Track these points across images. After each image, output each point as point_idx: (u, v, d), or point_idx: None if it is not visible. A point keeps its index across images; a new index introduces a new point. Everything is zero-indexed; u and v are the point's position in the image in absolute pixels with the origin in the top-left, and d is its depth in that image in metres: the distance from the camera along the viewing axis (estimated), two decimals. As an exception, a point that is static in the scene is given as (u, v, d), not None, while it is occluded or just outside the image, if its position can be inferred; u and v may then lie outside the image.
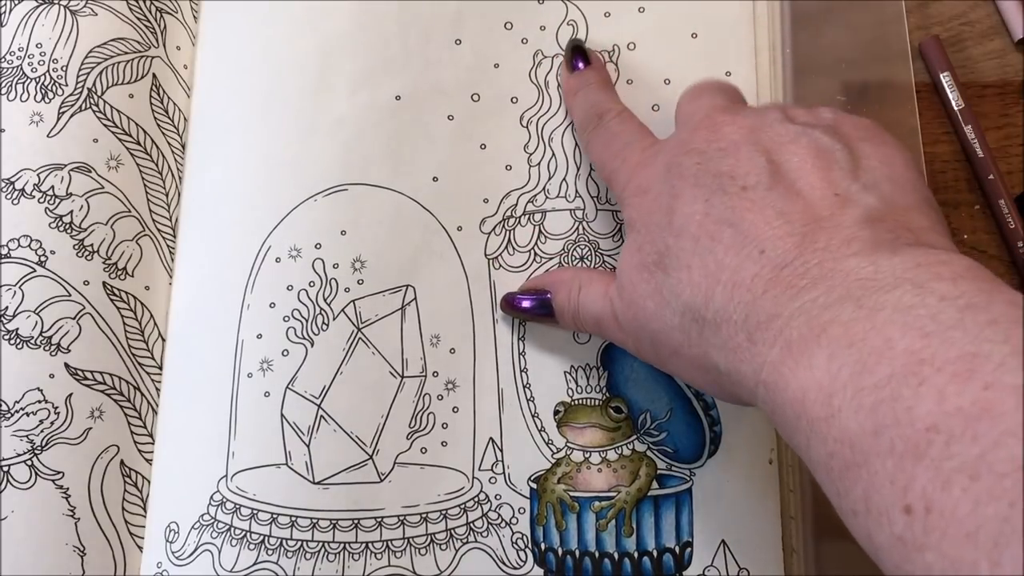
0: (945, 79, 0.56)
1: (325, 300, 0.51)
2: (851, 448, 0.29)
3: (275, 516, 0.49)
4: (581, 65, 0.51)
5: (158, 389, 0.52)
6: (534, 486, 0.49)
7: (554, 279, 0.49)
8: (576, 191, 0.52)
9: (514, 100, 0.54)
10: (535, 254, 0.52)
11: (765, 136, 0.38)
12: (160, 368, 0.53)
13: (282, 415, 0.50)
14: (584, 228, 0.52)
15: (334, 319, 0.51)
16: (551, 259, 0.52)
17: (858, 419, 0.29)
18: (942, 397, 0.26)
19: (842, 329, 0.30)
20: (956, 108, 0.55)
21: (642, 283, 0.40)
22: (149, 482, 0.51)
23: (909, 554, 0.26)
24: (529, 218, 0.52)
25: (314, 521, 0.49)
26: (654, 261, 0.39)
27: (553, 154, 0.53)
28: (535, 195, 0.52)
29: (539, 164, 0.53)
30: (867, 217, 0.35)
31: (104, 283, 0.52)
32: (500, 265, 0.52)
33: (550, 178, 0.53)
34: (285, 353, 0.51)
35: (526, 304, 0.49)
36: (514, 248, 0.52)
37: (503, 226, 0.52)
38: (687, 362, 0.38)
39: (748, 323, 0.34)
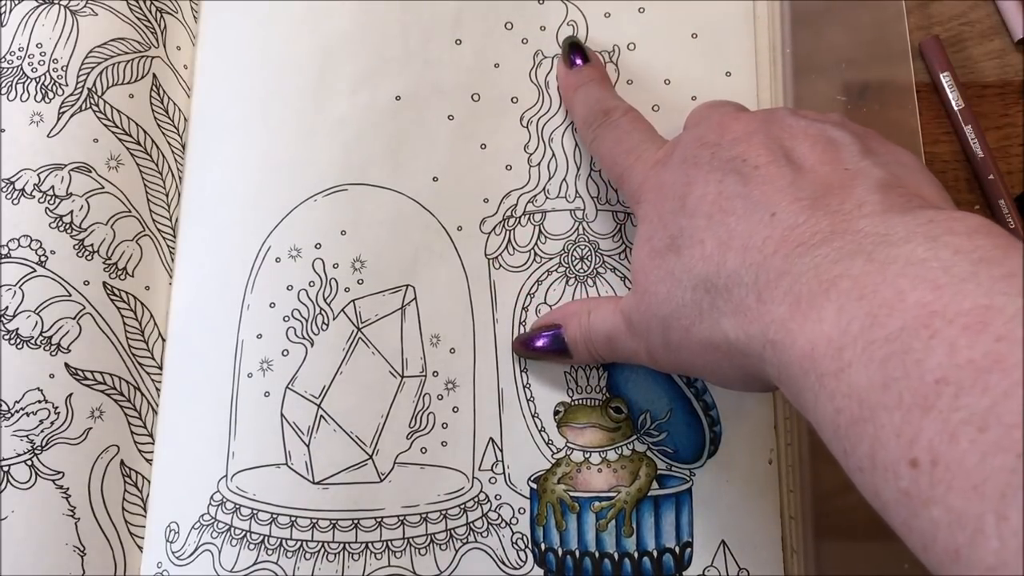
0: (945, 79, 0.56)
1: (325, 300, 0.51)
2: (859, 403, 0.28)
3: (275, 516, 0.49)
4: (579, 62, 0.51)
5: (158, 389, 0.52)
6: (534, 486, 0.49)
7: (563, 312, 0.48)
8: (576, 191, 0.52)
9: (514, 100, 0.53)
10: (535, 254, 0.52)
11: (776, 127, 0.39)
12: (160, 368, 0.52)
13: (282, 415, 0.50)
14: (584, 228, 0.52)
15: (334, 319, 0.51)
16: (551, 259, 0.51)
17: (867, 372, 0.28)
18: (953, 349, 0.26)
19: (852, 282, 0.30)
20: (956, 108, 0.55)
21: (654, 269, 0.40)
22: (149, 482, 0.51)
23: (915, 508, 0.26)
24: (529, 218, 0.52)
25: (314, 521, 0.48)
26: (666, 245, 0.39)
27: (553, 154, 0.53)
28: (535, 195, 0.52)
29: (539, 164, 0.52)
30: (879, 184, 0.34)
31: (104, 283, 0.52)
32: (500, 265, 0.52)
33: (550, 178, 0.52)
34: (285, 353, 0.51)
35: (541, 343, 0.48)
36: (514, 248, 0.52)
37: (503, 226, 0.52)
38: (696, 344, 0.38)
39: (758, 283, 0.34)
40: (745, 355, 0.35)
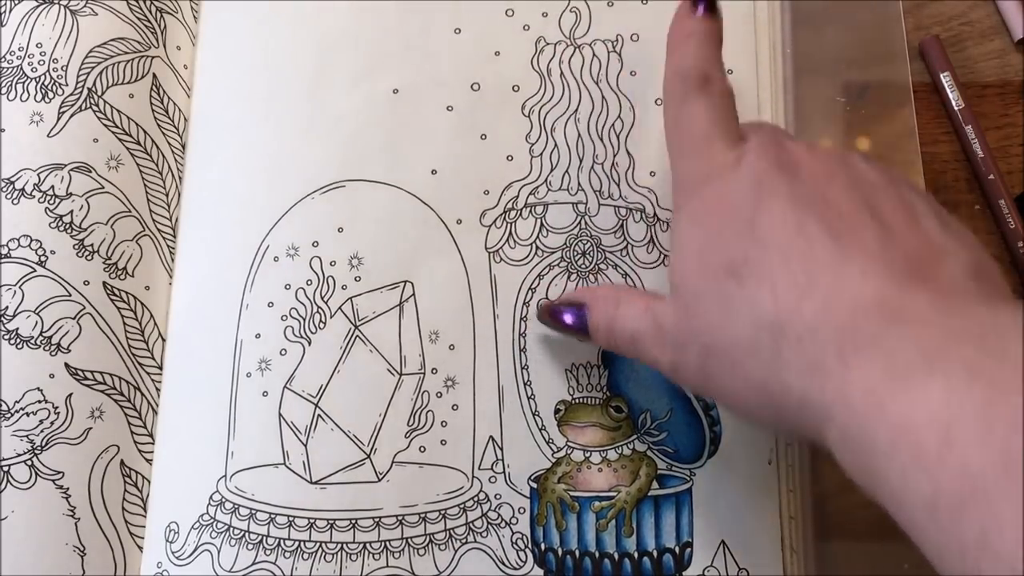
0: (945, 79, 0.55)
1: (322, 298, 0.50)
2: (972, 483, 0.27)
3: (273, 516, 0.48)
4: (702, 10, 0.45)
5: (158, 389, 0.52)
6: (534, 485, 0.48)
7: (592, 294, 0.46)
8: (579, 184, 0.51)
9: (516, 89, 0.53)
10: (537, 247, 0.51)
11: (855, 172, 0.37)
12: (160, 368, 0.52)
13: (280, 415, 0.49)
14: (586, 223, 0.51)
15: (331, 317, 0.50)
16: (553, 252, 0.51)
17: (984, 452, 0.26)
18: None
19: (962, 364, 0.28)
20: (956, 108, 0.55)
21: (707, 290, 0.37)
22: (149, 482, 0.51)
23: None
24: (531, 210, 0.51)
25: (311, 521, 0.48)
26: (724, 268, 0.36)
27: (556, 145, 0.52)
28: (537, 186, 0.51)
29: (541, 155, 0.52)
30: (970, 268, 0.34)
31: (104, 283, 0.51)
32: (501, 259, 0.51)
33: (552, 169, 0.51)
34: (283, 352, 0.50)
35: (569, 319, 0.46)
36: (515, 241, 0.51)
37: (504, 219, 0.51)
38: (742, 383, 0.36)
39: (842, 343, 0.32)
40: (802, 409, 0.33)
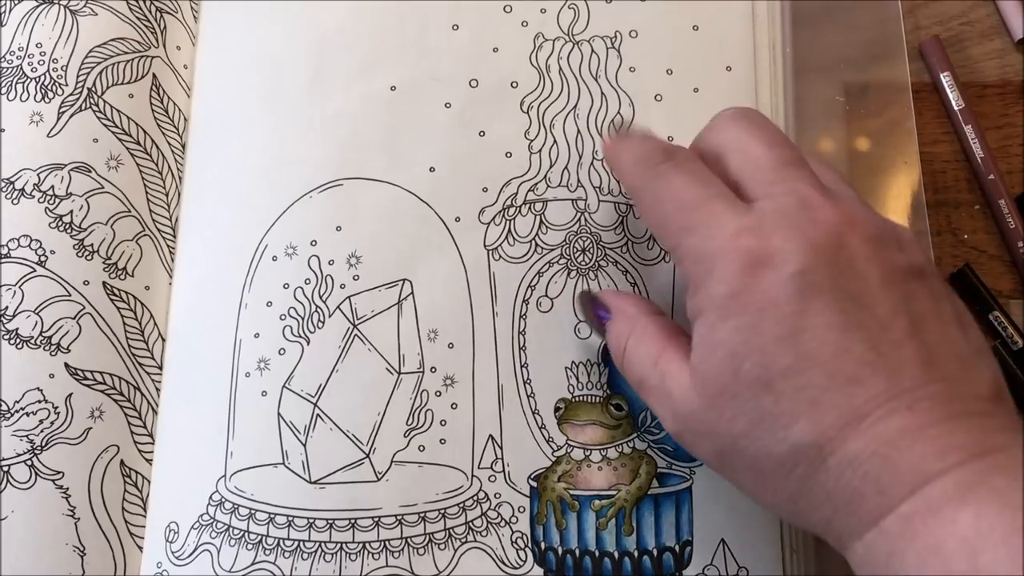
0: (945, 79, 0.55)
1: (320, 297, 0.50)
2: None
3: (272, 516, 0.48)
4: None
5: (158, 389, 0.52)
6: (534, 484, 0.48)
7: (620, 305, 0.44)
8: (578, 180, 0.51)
9: (514, 85, 0.52)
10: (536, 245, 0.50)
11: (886, 254, 0.35)
12: (160, 368, 0.52)
13: (279, 414, 0.49)
14: (586, 220, 0.50)
15: (329, 316, 0.50)
16: (552, 250, 0.50)
17: (1010, 567, 0.28)
18: None
19: (993, 493, 0.30)
20: (956, 108, 0.55)
21: (738, 397, 0.35)
22: (149, 482, 0.50)
23: None
24: (530, 207, 0.51)
25: (311, 521, 0.47)
26: (758, 378, 0.34)
27: (555, 141, 0.51)
28: (536, 183, 0.51)
29: (540, 151, 0.51)
30: (994, 389, 0.34)
31: (104, 283, 0.51)
32: (500, 256, 0.50)
33: (551, 166, 0.51)
34: (282, 352, 0.50)
35: (600, 316, 0.45)
36: (515, 239, 0.50)
37: (503, 216, 0.51)
38: (767, 489, 0.35)
39: (883, 477, 0.32)
40: (829, 524, 0.34)
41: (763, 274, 0.35)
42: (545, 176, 0.51)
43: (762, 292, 0.34)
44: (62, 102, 0.53)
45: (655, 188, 0.39)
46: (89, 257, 0.51)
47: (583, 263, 0.50)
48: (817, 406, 0.33)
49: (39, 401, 0.49)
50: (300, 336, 0.50)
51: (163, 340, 0.52)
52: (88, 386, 0.50)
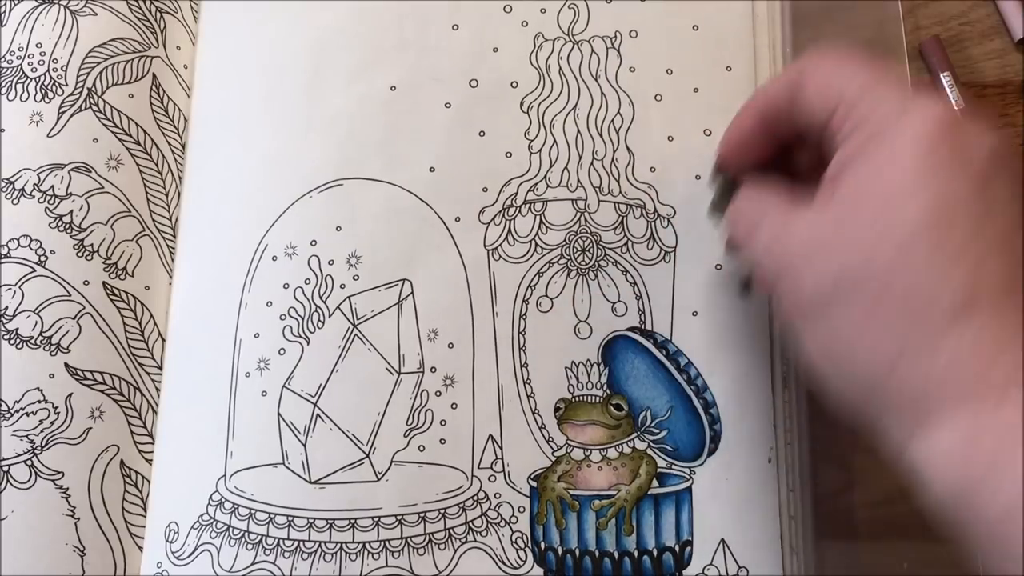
0: (945, 79, 0.55)
1: (320, 297, 0.50)
2: None
3: (272, 516, 0.48)
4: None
5: (158, 389, 0.52)
6: (534, 484, 0.48)
7: (744, 223, 0.42)
8: (578, 180, 0.51)
9: (514, 85, 0.52)
10: (536, 245, 0.50)
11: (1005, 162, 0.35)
12: (160, 368, 0.52)
13: (279, 414, 0.49)
14: (586, 219, 0.50)
15: (329, 316, 0.50)
16: (552, 250, 0.50)
17: None
18: None
19: None
20: (956, 108, 0.54)
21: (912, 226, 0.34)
22: (149, 482, 0.50)
23: None
24: (530, 207, 0.51)
25: (311, 521, 0.47)
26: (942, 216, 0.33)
27: (555, 141, 0.51)
28: (536, 183, 0.51)
29: (540, 151, 0.51)
30: None
31: (104, 283, 0.51)
32: (500, 256, 0.50)
33: (551, 166, 0.51)
34: (282, 352, 0.50)
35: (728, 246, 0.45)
36: (514, 238, 0.50)
37: (503, 216, 0.51)
38: (878, 327, 0.34)
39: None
40: (928, 384, 0.33)
41: (964, 131, 0.34)
42: (545, 176, 0.51)
43: (962, 147, 0.34)
44: (62, 102, 0.53)
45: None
46: (89, 257, 0.51)
47: (583, 263, 0.50)
48: (983, 265, 0.32)
49: (39, 401, 0.49)
50: (300, 336, 0.50)
51: (163, 340, 0.52)
52: (88, 386, 0.50)
